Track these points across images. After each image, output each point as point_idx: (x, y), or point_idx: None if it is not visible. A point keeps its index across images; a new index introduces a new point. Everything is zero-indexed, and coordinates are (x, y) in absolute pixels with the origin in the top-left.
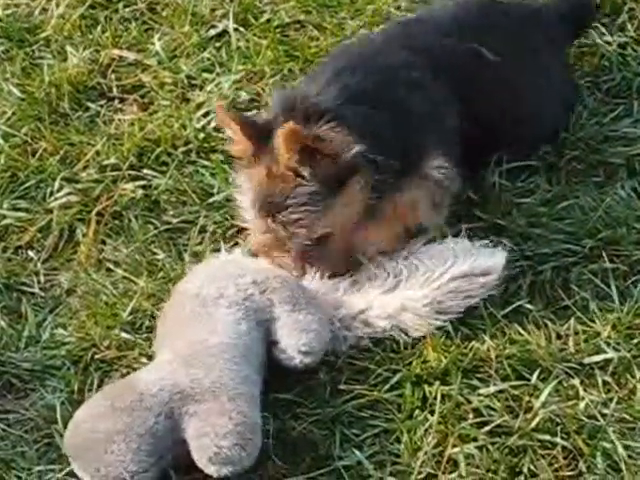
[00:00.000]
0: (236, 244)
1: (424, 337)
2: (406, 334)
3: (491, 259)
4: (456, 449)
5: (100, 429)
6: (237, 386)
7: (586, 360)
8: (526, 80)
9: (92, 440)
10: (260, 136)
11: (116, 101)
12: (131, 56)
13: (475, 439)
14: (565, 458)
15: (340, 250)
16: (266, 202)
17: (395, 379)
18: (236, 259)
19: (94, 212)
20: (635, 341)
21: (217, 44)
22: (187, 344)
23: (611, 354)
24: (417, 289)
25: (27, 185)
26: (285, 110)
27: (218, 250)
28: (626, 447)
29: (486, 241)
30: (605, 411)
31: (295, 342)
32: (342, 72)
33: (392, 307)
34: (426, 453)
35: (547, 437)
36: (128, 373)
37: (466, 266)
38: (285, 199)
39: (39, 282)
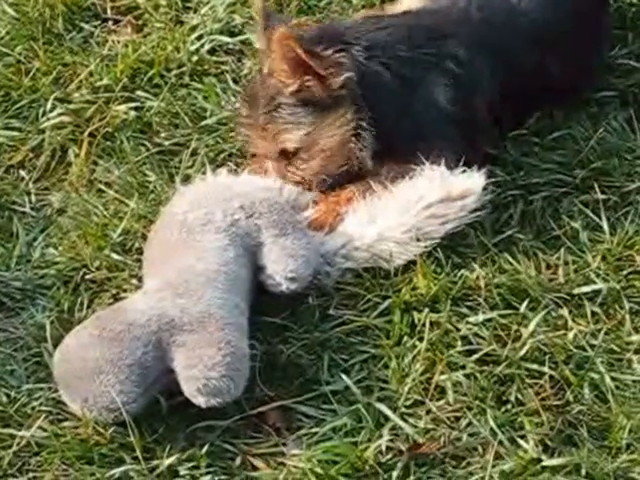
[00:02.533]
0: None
1: (414, 264)
2: (388, 263)
3: (467, 182)
4: (444, 376)
5: (89, 359)
6: (225, 315)
7: (575, 290)
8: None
9: (81, 370)
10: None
11: (110, 22)
12: None
13: (463, 367)
14: (552, 387)
15: (307, 174)
16: (252, 98)
17: (384, 305)
18: (222, 181)
19: (86, 133)
20: (624, 272)
21: None
22: (175, 272)
23: (600, 285)
24: (394, 218)
25: (20, 105)
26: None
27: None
28: (613, 378)
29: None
30: (593, 342)
31: (282, 268)
32: (384, 27)
33: (370, 238)
34: (414, 380)
35: (535, 366)
36: (118, 294)
37: (442, 191)
38: (267, 99)
39: (30, 202)
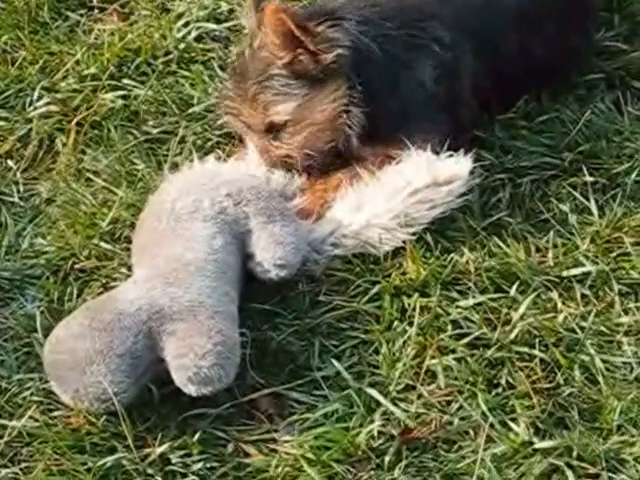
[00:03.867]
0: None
1: (403, 249)
2: (376, 249)
3: (454, 167)
4: (434, 361)
5: (79, 349)
6: (215, 304)
7: (565, 273)
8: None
9: (71, 361)
10: None
11: (96, 11)
12: None
13: (454, 351)
14: (543, 370)
15: (292, 148)
16: (243, 69)
17: (374, 290)
18: (209, 169)
19: (74, 122)
20: (613, 254)
21: None
22: (164, 261)
23: (590, 267)
24: (382, 204)
25: (6, 94)
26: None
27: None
28: (604, 360)
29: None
30: (583, 324)
31: (271, 255)
32: (374, 5)
33: (358, 224)
34: (405, 364)
35: (525, 349)
36: (107, 283)
37: (429, 176)
38: (258, 69)
39: (18, 191)
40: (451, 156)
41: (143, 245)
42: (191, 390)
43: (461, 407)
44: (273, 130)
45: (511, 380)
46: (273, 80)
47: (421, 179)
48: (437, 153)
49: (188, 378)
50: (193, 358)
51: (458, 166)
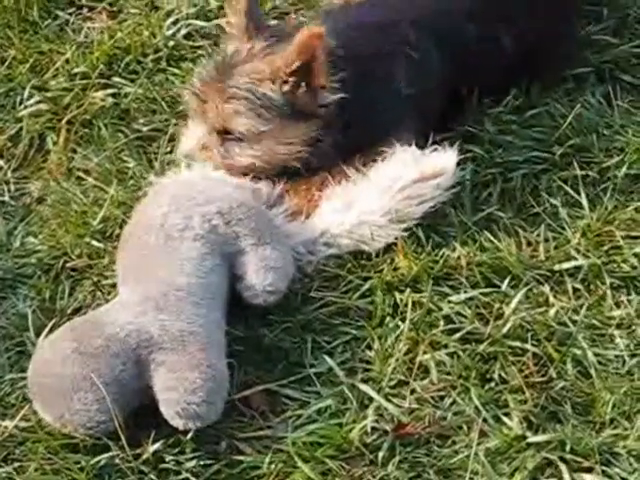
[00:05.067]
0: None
1: (395, 245)
2: (368, 246)
3: (441, 160)
4: (427, 356)
5: (66, 375)
6: (206, 334)
7: (556, 267)
8: None
9: (57, 386)
10: (259, 21)
11: (85, 9)
12: None
13: (446, 346)
14: (535, 364)
15: (234, 160)
16: (230, 65)
17: (366, 286)
18: (198, 181)
19: (64, 120)
20: (605, 248)
21: None
22: (155, 284)
23: (581, 261)
24: (372, 201)
25: None
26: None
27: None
28: (596, 353)
29: (435, 145)
30: (575, 318)
31: (261, 281)
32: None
33: (350, 223)
34: (397, 360)
35: (517, 344)
36: (99, 281)
37: (416, 171)
38: (247, 75)
39: (9, 191)
40: (436, 150)
41: (131, 262)
42: (179, 424)
43: (454, 402)
44: (222, 134)
45: (504, 374)
46: (256, 97)
47: (408, 174)
48: (422, 148)
49: (176, 412)
50: (182, 393)
51: (444, 159)
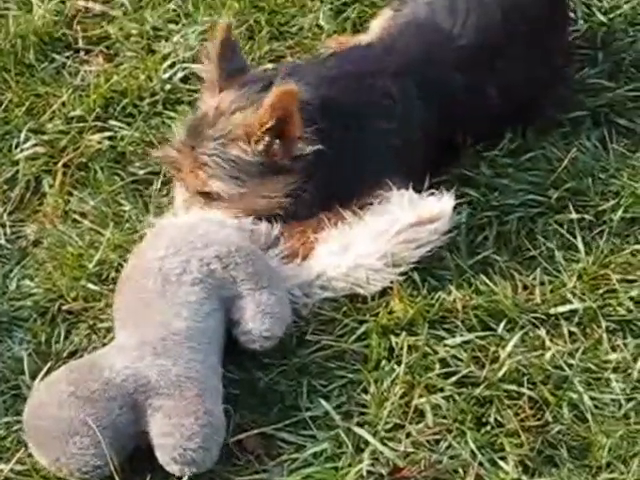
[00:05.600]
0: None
1: (390, 288)
2: (364, 290)
3: (438, 205)
4: (423, 399)
5: (63, 418)
6: (203, 379)
7: (552, 310)
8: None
9: (54, 429)
10: (233, 71)
11: (82, 52)
12: (97, 7)
13: (442, 389)
14: (531, 408)
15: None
16: (201, 128)
17: (362, 330)
18: (196, 223)
19: (60, 163)
20: (601, 291)
21: None
22: (152, 329)
23: (577, 304)
24: (368, 245)
25: None
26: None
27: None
28: (592, 397)
29: (433, 190)
30: (571, 361)
31: (258, 326)
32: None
33: (346, 266)
34: (393, 403)
35: (513, 387)
36: (95, 324)
37: (413, 215)
38: (219, 138)
39: (5, 234)
40: (433, 194)
41: (128, 306)
42: (174, 470)
43: (450, 446)
44: (206, 197)
45: (500, 418)
46: (228, 160)
47: (405, 218)
48: (418, 192)
49: (172, 458)
50: (179, 439)
51: (441, 204)
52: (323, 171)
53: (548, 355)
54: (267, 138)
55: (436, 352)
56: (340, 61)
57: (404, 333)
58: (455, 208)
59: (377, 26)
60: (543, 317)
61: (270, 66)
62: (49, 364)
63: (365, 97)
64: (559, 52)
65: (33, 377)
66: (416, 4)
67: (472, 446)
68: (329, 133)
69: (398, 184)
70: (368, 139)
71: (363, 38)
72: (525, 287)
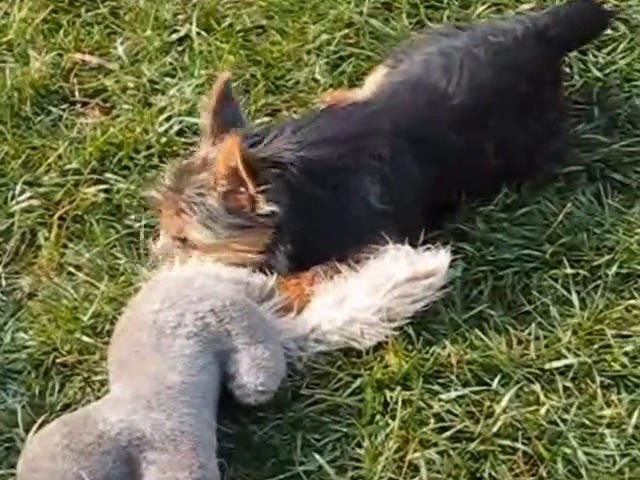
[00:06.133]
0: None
1: (385, 342)
2: (359, 344)
3: (434, 260)
4: (417, 454)
5: (57, 471)
6: (197, 433)
7: (547, 365)
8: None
9: None
10: (228, 123)
11: (78, 105)
12: (94, 60)
13: (436, 444)
14: (526, 463)
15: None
16: (182, 177)
17: (356, 384)
18: (192, 276)
19: (56, 216)
20: (595, 346)
21: (179, 48)
22: (147, 382)
23: (572, 359)
24: (363, 299)
25: None
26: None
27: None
28: (587, 453)
29: (428, 245)
30: (566, 416)
31: (253, 380)
32: (318, 130)
33: (341, 320)
34: (387, 458)
35: (508, 442)
36: (89, 377)
37: (409, 270)
38: (196, 189)
39: (0, 286)
40: (429, 249)
41: (123, 358)
42: None
43: None
44: (183, 242)
45: (494, 473)
46: (204, 209)
47: (401, 273)
48: (414, 246)
49: None
50: None
51: (437, 259)
52: (301, 229)
53: (543, 410)
54: (225, 188)
55: (430, 407)
56: (331, 120)
57: (399, 387)
58: (450, 263)
59: (372, 82)
60: (538, 372)
61: (266, 119)
62: (43, 417)
63: (351, 159)
64: (554, 107)
65: (27, 430)
66: (411, 62)
67: None
68: (309, 194)
69: (392, 240)
70: (350, 200)
71: (359, 93)
72: (520, 342)
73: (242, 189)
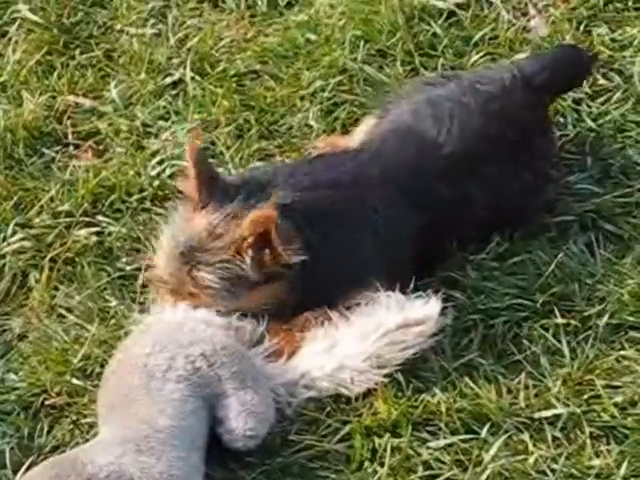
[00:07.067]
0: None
1: (375, 389)
2: (348, 390)
3: (424, 308)
4: None
5: None
6: (186, 477)
7: (536, 415)
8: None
9: None
10: (214, 188)
11: (71, 147)
12: (87, 103)
13: None
14: None
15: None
16: (193, 253)
17: (345, 430)
18: (182, 322)
19: (47, 258)
20: (585, 397)
21: (173, 92)
22: (137, 424)
23: (561, 409)
24: (353, 346)
25: None
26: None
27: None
28: None
29: (419, 292)
30: (554, 466)
31: (242, 426)
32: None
33: (331, 367)
34: None
35: None
36: (78, 420)
37: (400, 318)
38: (212, 262)
39: None
40: (420, 297)
41: (113, 401)
42: None
43: None
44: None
45: None
46: (226, 280)
47: (392, 320)
48: (404, 294)
49: None
50: None
51: (428, 307)
52: (302, 276)
53: (531, 460)
54: (251, 253)
55: (419, 454)
56: (324, 166)
57: (387, 434)
58: (441, 311)
59: (361, 132)
60: (527, 421)
61: (258, 164)
62: (31, 458)
63: (346, 207)
64: (544, 156)
65: (15, 471)
66: (401, 111)
67: None
68: (309, 240)
69: (384, 286)
70: (346, 249)
71: (349, 142)
72: (509, 391)
73: (266, 250)
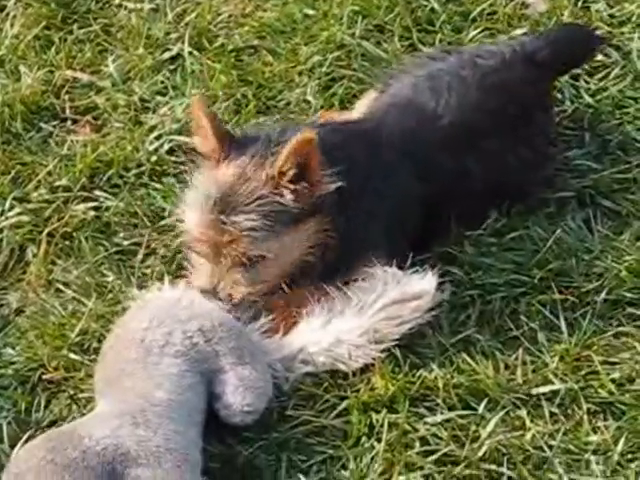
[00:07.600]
0: (182, 269)
1: (372, 364)
2: (345, 365)
3: (421, 283)
4: (402, 477)
5: None
6: (183, 451)
7: (533, 391)
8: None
9: None
10: (231, 141)
11: (69, 122)
12: (85, 77)
13: (421, 468)
14: None
15: (264, 281)
16: (226, 199)
17: (342, 406)
18: (180, 297)
19: (45, 232)
20: (582, 372)
21: (171, 67)
22: (133, 399)
23: (558, 385)
24: (350, 320)
25: None
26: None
27: (168, 273)
28: (572, 479)
29: (416, 267)
30: (552, 442)
31: (239, 401)
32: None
33: (328, 342)
34: None
35: (493, 467)
36: (75, 394)
37: (396, 292)
38: (248, 203)
39: None
40: (417, 272)
41: (110, 375)
42: None
43: None
44: (245, 265)
45: None
46: (265, 218)
47: (389, 295)
48: (401, 269)
49: None
50: None
51: (425, 282)
52: (338, 211)
53: (529, 435)
54: (291, 186)
55: (416, 430)
56: (330, 129)
57: (385, 410)
58: (438, 286)
59: (362, 105)
60: (524, 397)
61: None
62: (29, 433)
63: (373, 167)
64: (544, 132)
65: (12, 445)
66: (401, 85)
67: None
68: (347, 193)
69: (381, 262)
70: (367, 204)
71: (350, 115)
72: (507, 367)
73: (303, 182)
